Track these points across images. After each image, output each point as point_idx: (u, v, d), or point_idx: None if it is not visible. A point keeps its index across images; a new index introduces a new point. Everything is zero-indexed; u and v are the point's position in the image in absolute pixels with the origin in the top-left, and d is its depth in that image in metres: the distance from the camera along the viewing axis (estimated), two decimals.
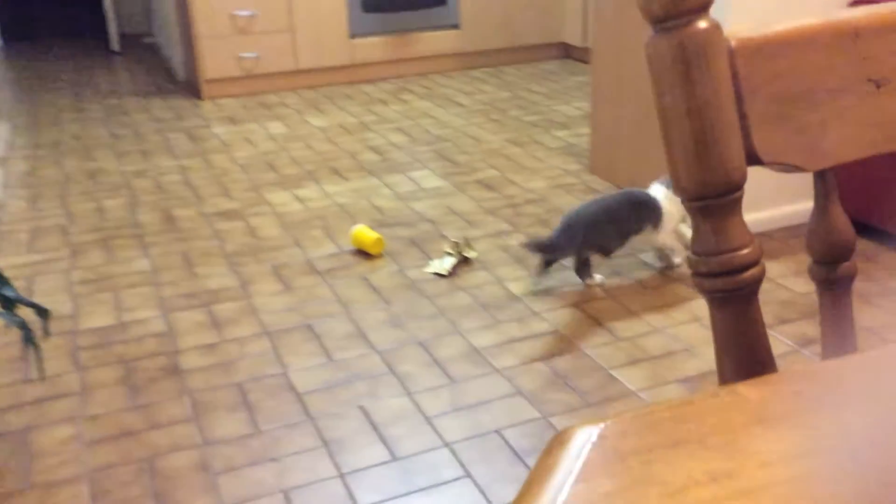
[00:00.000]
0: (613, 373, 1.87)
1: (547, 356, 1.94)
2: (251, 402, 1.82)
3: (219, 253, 2.55)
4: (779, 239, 2.50)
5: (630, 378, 1.85)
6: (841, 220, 0.58)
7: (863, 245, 2.34)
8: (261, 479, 1.58)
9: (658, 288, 2.24)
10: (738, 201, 0.53)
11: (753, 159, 0.53)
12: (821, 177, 0.58)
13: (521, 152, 3.39)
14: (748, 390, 0.42)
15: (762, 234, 2.54)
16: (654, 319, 2.08)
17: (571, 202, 2.84)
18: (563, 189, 2.98)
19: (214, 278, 2.39)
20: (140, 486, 1.57)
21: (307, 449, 1.66)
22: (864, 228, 2.37)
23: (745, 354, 0.50)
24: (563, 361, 1.92)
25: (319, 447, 1.67)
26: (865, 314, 2.06)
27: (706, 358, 1.91)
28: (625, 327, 2.05)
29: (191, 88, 4.62)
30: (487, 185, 3.03)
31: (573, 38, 4.96)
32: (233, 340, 2.06)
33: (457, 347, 2.00)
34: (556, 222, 2.68)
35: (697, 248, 0.53)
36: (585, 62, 4.98)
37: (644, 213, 2.23)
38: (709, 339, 1.99)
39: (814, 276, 0.61)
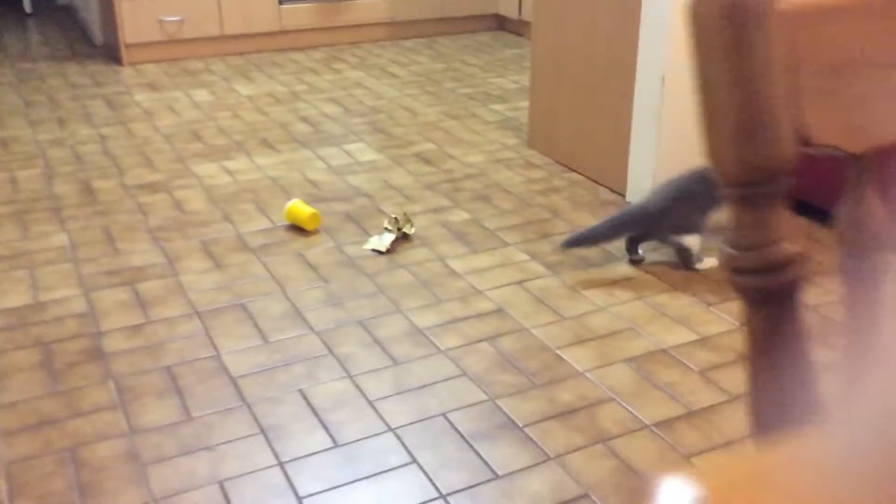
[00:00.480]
0: (560, 353, 1.83)
1: (492, 336, 1.89)
2: (181, 388, 1.72)
3: (142, 228, 2.42)
4: None
5: (577, 358, 1.81)
6: (878, 208, 0.53)
7: (803, 225, 2.36)
8: (194, 469, 1.49)
9: (601, 265, 2.21)
10: (786, 188, 0.47)
11: (802, 140, 0.47)
12: (859, 160, 0.53)
13: (459, 125, 3.32)
14: None
15: None
16: (598, 297, 2.05)
17: (511, 177, 2.79)
18: (503, 164, 2.92)
19: (138, 255, 2.26)
20: (63, 479, 1.46)
21: (243, 436, 1.58)
22: (805, 208, 2.39)
23: (783, 362, 0.45)
24: (509, 341, 1.87)
25: (256, 434, 1.58)
26: (807, 292, 2.07)
27: (652, 337, 1.89)
28: (569, 306, 2.02)
29: (110, 53, 4.39)
30: (425, 159, 2.95)
31: (508, 9, 4.89)
32: (160, 321, 1.95)
33: (398, 327, 1.93)
34: (497, 197, 2.63)
35: (737, 241, 0.47)
36: (520, 35, 4.92)
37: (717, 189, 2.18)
38: (653, 316, 1.97)
39: (844, 269, 0.56)
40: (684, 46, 2.36)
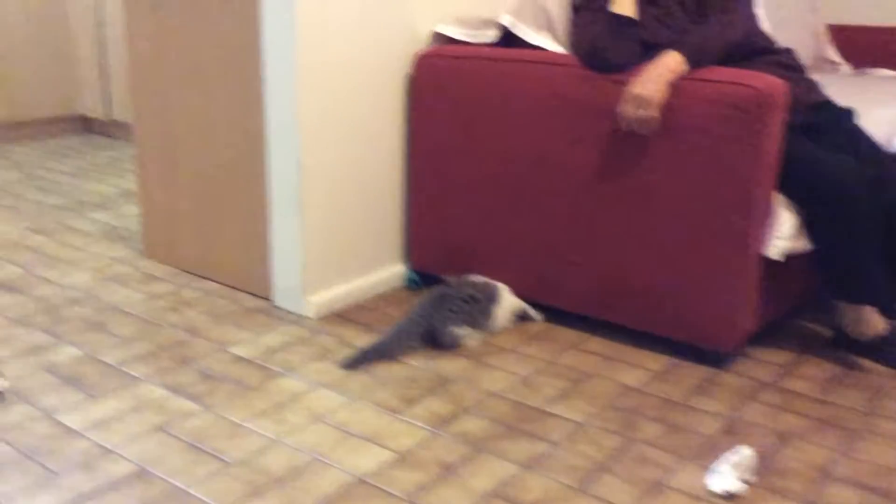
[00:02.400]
0: None
1: None
2: None
3: None
4: (373, 308, 2.26)
5: None
6: None
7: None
8: None
9: (260, 386, 1.82)
10: None
11: None
12: None
13: (51, 242, 2.72)
14: None
15: (355, 306, 2.28)
16: (268, 427, 1.66)
17: (129, 296, 2.29)
18: (116, 281, 2.40)
19: None
20: None
21: None
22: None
23: None
24: None
25: None
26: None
27: (343, 466, 1.54)
28: (234, 447, 1.60)
29: None
30: (8, 288, 2.33)
31: (94, 110, 4.34)
32: None
33: None
34: (115, 322, 2.11)
35: None
36: (111, 136, 4.38)
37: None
38: (338, 440, 1.63)
39: None
40: (321, 123, 2.11)
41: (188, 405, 1.74)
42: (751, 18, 2.01)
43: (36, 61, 4.16)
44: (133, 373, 1.87)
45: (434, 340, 2.02)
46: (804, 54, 3.24)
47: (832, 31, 3.45)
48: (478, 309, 2.06)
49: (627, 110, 1.86)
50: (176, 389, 1.80)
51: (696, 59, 1.85)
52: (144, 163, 2.53)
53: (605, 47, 1.93)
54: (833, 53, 3.39)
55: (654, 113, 1.84)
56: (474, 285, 2.09)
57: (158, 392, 1.79)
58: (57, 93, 4.28)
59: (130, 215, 3.02)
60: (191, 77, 2.31)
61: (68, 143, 4.24)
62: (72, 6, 4.26)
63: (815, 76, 2.16)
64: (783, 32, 3.09)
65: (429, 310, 2.02)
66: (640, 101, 1.83)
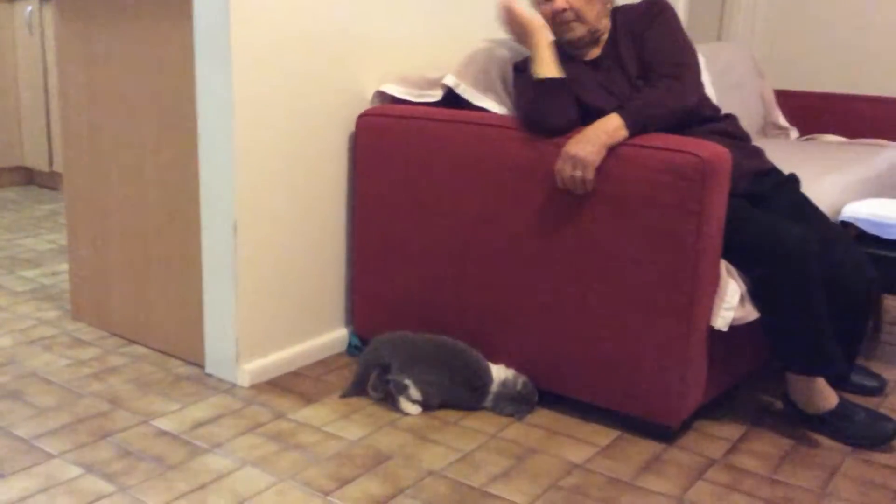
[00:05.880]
0: None
1: None
2: None
3: None
4: (312, 377, 2.16)
5: None
6: None
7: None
8: None
9: (183, 465, 1.71)
10: None
11: None
12: None
13: None
14: None
15: (292, 374, 2.17)
16: None
17: (52, 361, 2.16)
18: (40, 345, 2.27)
19: None
20: None
21: None
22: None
23: None
24: None
25: None
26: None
27: None
28: None
29: None
30: None
31: (36, 161, 4.21)
32: None
33: None
34: (33, 391, 1.98)
35: None
36: (55, 188, 4.25)
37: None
38: None
39: None
40: (259, 183, 2.03)
41: (102, 486, 1.61)
42: (700, 86, 1.98)
43: None
44: (47, 448, 1.74)
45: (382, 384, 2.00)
46: (752, 119, 3.26)
47: (780, 96, 3.49)
48: (465, 395, 1.99)
49: (564, 170, 1.82)
50: (91, 468, 1.68)
51: (637, 124, 1.81)
52: (74, 218, 2.42)
53: (540, 111, 1.89)
54: (781, 119, 3.42)
55: (588, 175, 1.80)
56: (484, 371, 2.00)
57: (72, 471, 1.66)
58: (0, 143, 4.16)
59: (63, 272, 2.89)
60: (123, 132, 2.23)
61: (9, 195, 4.10)
62: (16, 56, 4.16)
63: (763, 142, 2.15)
64: (730, 97, 3.10)
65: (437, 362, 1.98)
66: (576, 162, 1.80)
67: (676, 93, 1.89)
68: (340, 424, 1.91)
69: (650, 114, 1.84)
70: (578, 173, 1.80)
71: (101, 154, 2.30)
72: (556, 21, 1.98)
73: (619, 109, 1.83)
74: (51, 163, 4.15)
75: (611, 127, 1.80)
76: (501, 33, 2.08)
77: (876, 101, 3.34)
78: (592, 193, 1.84)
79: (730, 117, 2.09)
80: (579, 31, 1.98)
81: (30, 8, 4.02)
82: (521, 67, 2.03)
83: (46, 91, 4.09)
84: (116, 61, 2.20)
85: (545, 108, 1.88)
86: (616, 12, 2.05)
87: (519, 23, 1.97)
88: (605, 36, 2.04)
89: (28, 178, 4.40)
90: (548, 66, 1.92)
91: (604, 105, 1.91)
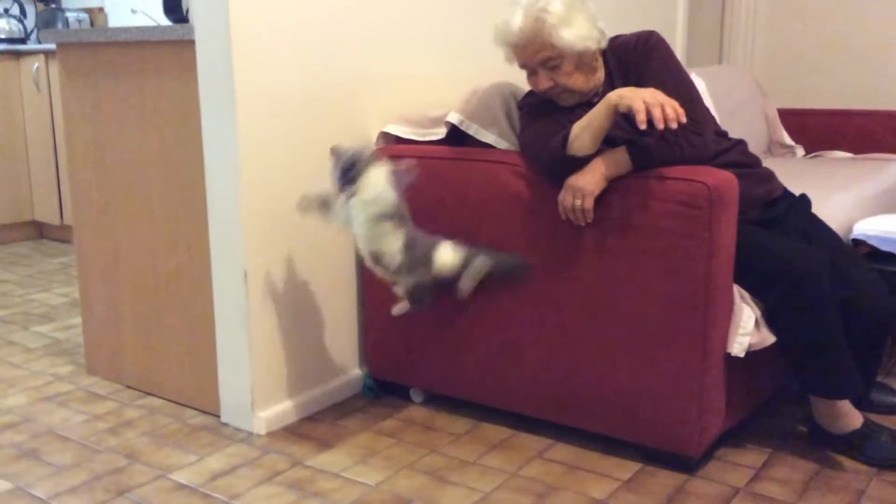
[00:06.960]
0: None
1: None
2: None
3: None
4: (328, 421, 2.15)
5: None
6: None
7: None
8: None
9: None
10: None
11: None
12: None
13: None
14: None
15: (308, 420, 2.16)
16: None
17: (68, 418, 2.16)
18: (55, 402, 2.27)
19: None
20: None
21: None
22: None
23: None
24: None
25: None
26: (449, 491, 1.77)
27: None
28: None
29: None
30: None
31: (46, 215, 4.24)
32: None
33: None
34: (49, 449, 1.98)
35: None
36: (65, 241, 4.28)
37: None
38: None
39: None
40: (267, 230, 2.03)
41: None
42: (712, 122, 1.94)
43: None
44: None
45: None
46: (757, 140, 3.26)
47: (784, 115, 3.49)
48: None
49: (566, 199, 1.82)
50: None
51: (643, 161, 1.80)
52: (85, 272, 2.43)
53: (555, 175, 1.86)
54: (786, 137, 3.42)
55: (587, 204, 1.79)
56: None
57: None
58: (9, 198, 4.19)
59: (76, 326, 2.90)
60: (131, 184, 2.24)
61: (19, 250, 4.13)
62: (24, 112, 4.21)
63: (770, 161, 2.14)
64: (734, 120, 3.10)
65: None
66: (576, 191, 1.80)
67: (699, 148, 1.84)
68: (359, 469, 1.89)
69: (663, 159, 1.81)
70: (578, 202, 1.80)
71: (110, 207, 2.31)
72: (546, 94, 1.96)
73: (631, 145, 1.81)
74: (61, 216, 4.18)
75: (614, 159, 1.80)
76: (498, 71, 2.08)
77: (879, 116, 3.34)
78: (601, 224, 1.83)
79: (740, 143, 2.07)
80: (571, 99, 1.93)
81: (37, 64, 4.08)
82: (522, 105, 2.02)
83: (55, 145, 4.13)
84: (122, 115, 2.22)
85: (561, 174, 1.86)
86: (607, 51, 1.99)
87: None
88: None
89: (39, 232, 4.43)
90: (592, 144, 1.81)
91: (617, 136, 1.87)
